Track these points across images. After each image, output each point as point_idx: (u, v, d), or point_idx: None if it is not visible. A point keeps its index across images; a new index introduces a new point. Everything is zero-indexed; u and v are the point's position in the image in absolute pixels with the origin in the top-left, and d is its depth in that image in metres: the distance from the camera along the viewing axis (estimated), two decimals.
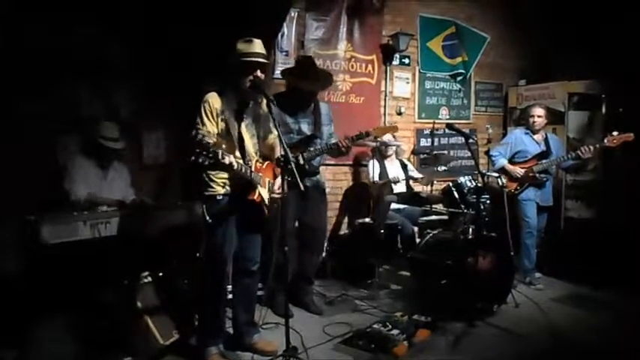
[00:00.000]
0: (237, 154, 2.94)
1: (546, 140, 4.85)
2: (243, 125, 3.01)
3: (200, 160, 2.53)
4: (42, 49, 3.71)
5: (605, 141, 4.49)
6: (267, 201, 3.07)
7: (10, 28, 3.60)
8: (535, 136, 4.87)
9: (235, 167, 2.76)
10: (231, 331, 3.35)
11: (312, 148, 3.74)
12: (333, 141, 3.84)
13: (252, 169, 2.95)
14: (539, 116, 4.83)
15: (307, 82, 3.77)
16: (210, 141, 2.61)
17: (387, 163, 5.16)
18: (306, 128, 3.82)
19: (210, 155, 2.56)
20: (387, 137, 5.07)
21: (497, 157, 4.90)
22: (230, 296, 3.41)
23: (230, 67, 2.96)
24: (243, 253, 3.15)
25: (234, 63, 2.93)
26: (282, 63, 4.86)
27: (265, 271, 3.47)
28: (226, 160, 2.68)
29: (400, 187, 5.06)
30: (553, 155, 4.73)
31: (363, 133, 3.81)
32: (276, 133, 3.09)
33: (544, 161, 4.70)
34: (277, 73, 4.77)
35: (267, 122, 3.10)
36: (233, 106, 2.96)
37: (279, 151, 3.07)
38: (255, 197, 2.97)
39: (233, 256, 3.11)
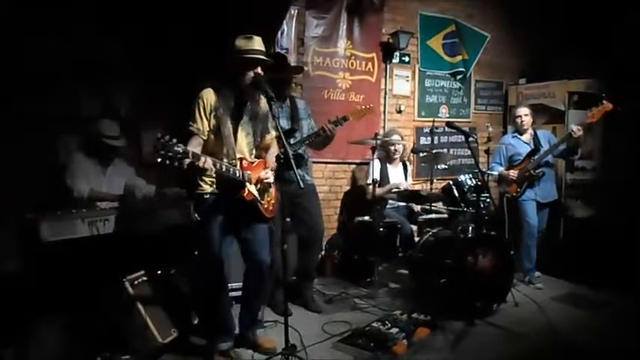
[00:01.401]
0: (226, 151, 2.93)
1: (535, 138, 4.86)
2: (238, 123, 2.98)
3: (167, 162, 2.46)
4: (42, 49, 3.70)
5: (587, 119, 4.51)
6: (258, 197, 3.02)
7: (10, 28, 3.59)
8: (523, 137, 4.89)
9: (210, 170, 2.72)
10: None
11: (292, 141, 3.75)
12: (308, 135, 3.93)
13: (238, 167, 2.91)
14: (525, 115, 4.86)
15: (278, 74, 3.74)
16: (191, 146, 2.69)
17: (388, 164, 5.14)
18: (284, 123, 3.80)
19: (179, 157, 2.49)
20: (394, 137, 5.06)
21: (494, 167, 4.95)
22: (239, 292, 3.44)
23: (229, 64, 2.94)
24: (249, 252, 3.16)
25: (234, 60, 2.91)
26: None
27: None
28: (200, 163, 2.64)
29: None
30: (544, 148, 4.72)
31: (340, 119, 3.83)
32: (273, 133, 3.12)
33: (536, 157, 4.69)
34: None
35: (267, 121, 3.10)
36: (229, 103, 2.94)
37: (274, 151, 3.11)
38: (245, 195, 2.93)
39: (242, 254, 3.16)
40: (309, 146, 3.95)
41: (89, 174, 3.68)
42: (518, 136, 4.92)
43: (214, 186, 2.96)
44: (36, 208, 3.02)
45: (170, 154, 2.45)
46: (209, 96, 2.91)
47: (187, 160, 2.55)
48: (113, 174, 3.82)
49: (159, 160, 2.43)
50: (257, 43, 2.93)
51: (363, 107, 4.14)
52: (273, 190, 3.15)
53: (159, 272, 3.32)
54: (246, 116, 3.01)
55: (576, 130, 4.47)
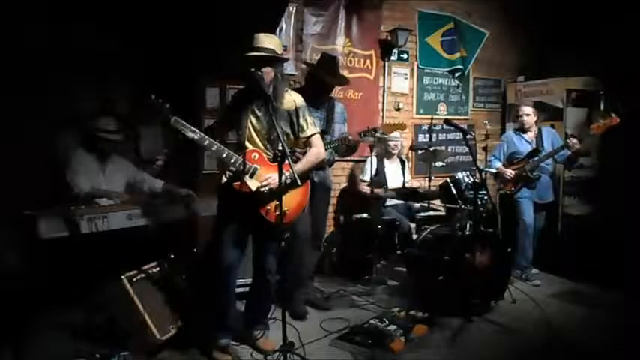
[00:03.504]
0: (236, 142, 2.98)
1: (538, 137, 4.83)
2: (252, 118, 2.96)
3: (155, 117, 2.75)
4: (41, 45, 3.70)
5: (590, 130, 4.49)
6: (259, 196, 2.93)
7: (9, 25, 3.59)
8: (526, 135, 4.87)
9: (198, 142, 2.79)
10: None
11: None
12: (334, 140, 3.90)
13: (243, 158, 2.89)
14: (527, 115, 4.83)
15: (327, 76, 3.81)
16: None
17: (386, 161, 5.14)
18: (317, 124, 3.79)
19: (164, 115, 2.75)
20: (394, 133, 5.06)
21: (492, 162, 4.94)
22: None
23: (240, 61, 2.94)
24: (256, 257, 3.18)
25: (239, 58, 2.91)
26: None
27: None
28: (180, 126, 2.75)
29: (397, 184, 5.04)
30: (545, 150, 4.71)
31: (370, 130, 3.83)
32: (309, 132, 3.07)
33: (535, 159, 4.68)
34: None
35: (295, 119, 3.05)
36: (245, 98, 2.97)
37: (313, 152, 3.08)
38: (240, 186, 2.89)
39: (253, 258, 3.19)
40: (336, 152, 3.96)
41: (89, 172, 3.68)
42: (521, 134, 4.90)
43: (224, 179, 2.99)
44: (35, 205, 3.03)
45: (156, 111, 2.74)
46: (237, 92, 3.09)
47: (172, 121, 2.77)
48: (113, 171, 3.82)
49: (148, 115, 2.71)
50: (261, 40, 2.92)
51: (397, 123, 4.26)
52: (292, 197, 2.99)
53: (158, 269, 3.33)
54: (263, 112, 2.95)
55: (572, 143, 4.47)
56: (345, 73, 5.35)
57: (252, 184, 2.90)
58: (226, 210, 3.03)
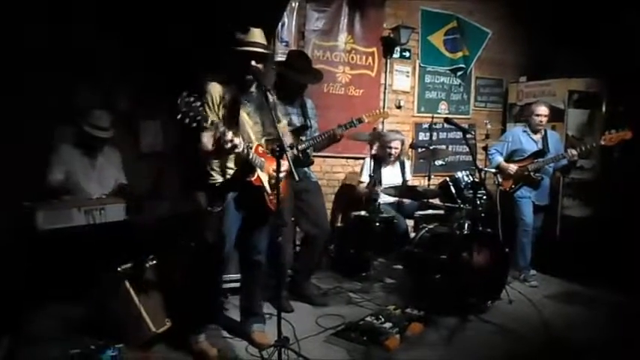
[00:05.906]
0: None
1: (544, 138, 4.82)
2: (244, 112, 2.98)
3: (186, 121, 2.55)
4: (39, 40, 3.70)
5: (602, 140, 4.48)
6: (268, 188, 3.00)
7: (10, 26, 3.59)
8: (533, 135, 4.84)
9: (234, 142, 2.72)
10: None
11: (303, 138, 3.75)
12: (317, 134, 3.90)
13: (253, 151, 2.92)
14: (545, 116, 4.76)
15: (299, 75, 3.78)
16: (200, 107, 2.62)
17: (383, 162, 5.08)
18: (296, 120, 3.81)
19: (198, 118, 2.58)
20: (397, 136, 5.01)
21: (494, 155, 4.89)
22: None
23: (230, 56, 2.95)
24: (247, 242, 3.16)
25: (234, 52, 2.92)
26: (282, 53, 4.78)
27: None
28: (223, 131, 2.67)
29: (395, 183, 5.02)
30: (550, 153, 4.70)
31: (354, 121, 3.82)
32: (284, 122, 3.16)
33: (540, 160, 4.67)
34: None
35: (276, 111, 3.12)
36: (235, 94, 2.96)
37: (287, 140, 3.16)
38: (254, 179, 2.93)
39: (239, 244, 3.15)
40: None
41: (75, 167, 3.61)
42: (529, 133, 4.86)
43: (226, 175, 2.98)
44: (33, 197, 3.03)
45: (191, 113, 2.55)
46: (214, 89, 2.94)
47: (207, 123, 2.63)
48: (104, 164, 3.76)
49: (179, 117, 2.53)
50: (254, 35, 2.94)
51: (379, 111, 4.21)
52: (282, 184, 3.07)
53: (154, 262, 3.33)
54: (253, 106, 3.01)
55: (571, 154, 4.50)
56: (346, 69, 5.39)
57: (263, 176, 2.98)
58: (236, 202, 3.02)
